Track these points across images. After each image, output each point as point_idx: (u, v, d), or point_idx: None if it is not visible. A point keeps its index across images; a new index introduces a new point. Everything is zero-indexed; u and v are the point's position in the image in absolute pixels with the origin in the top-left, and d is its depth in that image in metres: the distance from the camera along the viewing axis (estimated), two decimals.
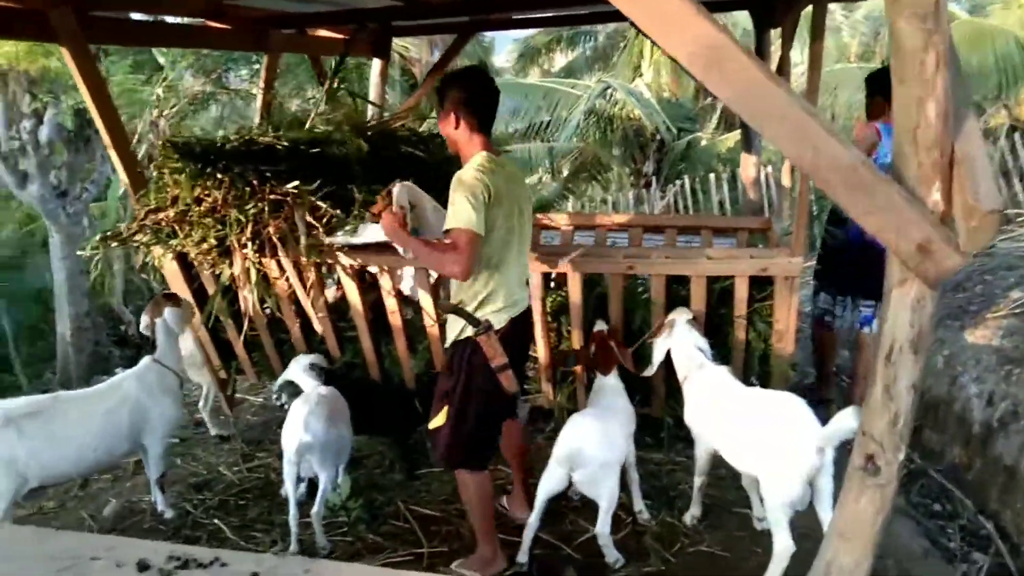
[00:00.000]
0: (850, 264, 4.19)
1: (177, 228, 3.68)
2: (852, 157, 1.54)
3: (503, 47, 24.32)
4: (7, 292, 10.51)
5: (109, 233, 3.86)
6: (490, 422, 3.10)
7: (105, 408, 3.57)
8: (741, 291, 3.60)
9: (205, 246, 3.67)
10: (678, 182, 12.19)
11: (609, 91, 12.59)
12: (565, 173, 15.35)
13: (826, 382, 4.72)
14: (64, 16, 3.38)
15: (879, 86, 3.98)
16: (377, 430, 4.34)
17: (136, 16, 5.29)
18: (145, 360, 3.76)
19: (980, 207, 1.47)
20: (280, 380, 3.84)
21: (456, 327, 2.98)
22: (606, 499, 3.16)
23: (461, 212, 2.70)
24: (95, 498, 4.21)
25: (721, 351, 3.75)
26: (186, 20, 5.41)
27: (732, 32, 1.58)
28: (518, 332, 3.07)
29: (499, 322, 2.93)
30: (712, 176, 11.73)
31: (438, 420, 3.06)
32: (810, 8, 3.96)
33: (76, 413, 3.50)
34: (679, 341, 3.47)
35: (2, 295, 10.24)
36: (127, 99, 9.48)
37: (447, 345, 3.07)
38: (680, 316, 3.51)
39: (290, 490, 3.47)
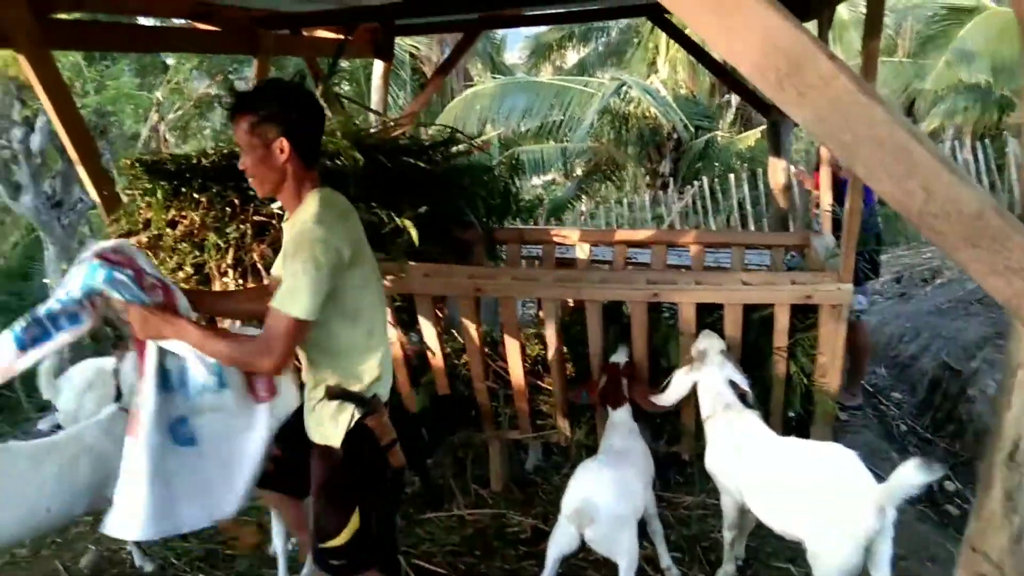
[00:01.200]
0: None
1: (150, 255, 3.31)
2: (979, 201, 1.14)
3: (514, 44, 23.91)
4: (11, 303, 10.29)
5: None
6: (390, 513, 2.60)
7: (61, 461, 3.10)
8: (781, 321, 3.20)
9: (181, 274, 3.29)
10: (696, 183, 11.77)
11: (624, 89, 12.16)
12: (579, 173, 14.96)
13: None
14: (19, 19, 3.01)
15: None
16: None
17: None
18: (110, 408, 3.31)
19: None
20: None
21: (333, 420, 2.29)
22: (625, 558, 2.78)
23: (297, 291, 2.04)
24: (72, 545, 3.86)
25: (757, 387, 3.35)
26: (168, 21, 5.04)
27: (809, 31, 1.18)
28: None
29: (385, 393, 2.37)
30: (731, 176, 11.30)
31: (349, 530, 2.30)
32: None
33: (26, 467, 3.04)
34: (707, 373, 3.07)
35: (5, 306, 10.00)
36: (128, 103, 9.16)
37: (319, 441, 2.34)
38: (711, 344, 3.10)
39: (279, 546, 3.17)
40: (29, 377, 9.14)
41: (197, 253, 3.27)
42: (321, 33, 5.26)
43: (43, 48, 3.14)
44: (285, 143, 2.10)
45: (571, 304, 3.67)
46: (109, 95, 8.03)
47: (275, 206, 3.27)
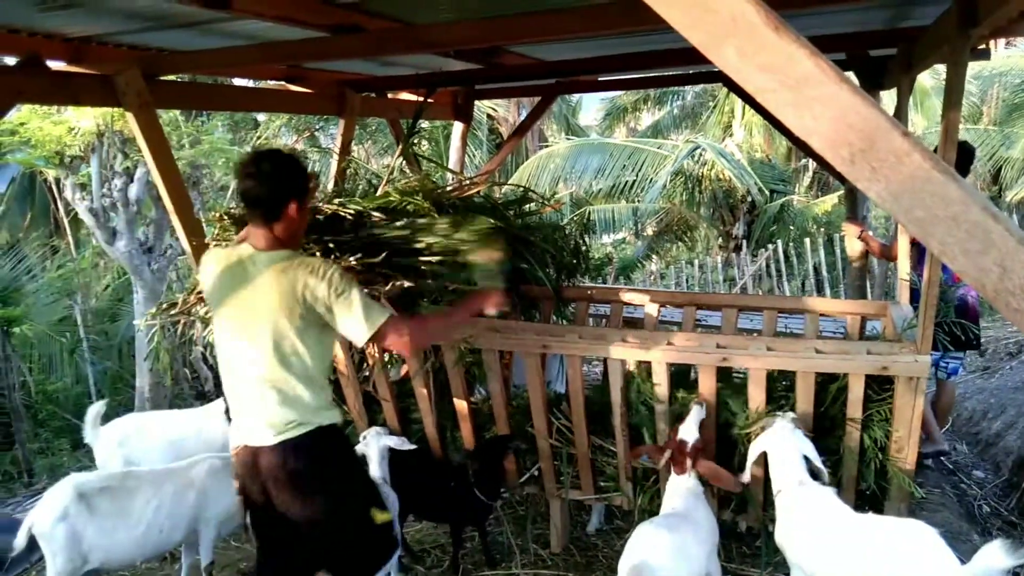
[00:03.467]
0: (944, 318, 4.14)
1: None
2: None
3: (590, 106, 24.35)
4: (98, 342, 10.78)
5: (164, 304, 3.70)
6: None
7: (175, 489, 3.48)
8: (856, 391, 3.11)
9: None
10: (770, 246, 11.60)
11: (698, 151, 12.18)
12: (649, 233, 14.94)
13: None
14: (131, 80, 3.26)
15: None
16: (432, 515, 4.03)
17: None
18: (222, 456, 3.63)
19: None
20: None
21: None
22: None
23: (372, 305, 2.49)
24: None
25: (829, 459, 3.25)
26: (264, 83, 5.35)
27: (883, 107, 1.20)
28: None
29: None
30: (807, 240, 11.10)
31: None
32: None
33: (149, 491, 3.41)
34: (778, 444, 2.99)
35: (94, 345, 10.49)
36: (220, 156, 9.64)
37: None
38: (784, 418, 3.04)
39: None
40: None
41: None
42: (404, 95, 5.48)
43: (150, 107, 3.39)
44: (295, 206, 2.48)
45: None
46: (203, 149, 8.47)
47: (352, 259, 3.38)
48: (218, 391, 8.26)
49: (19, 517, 5.07)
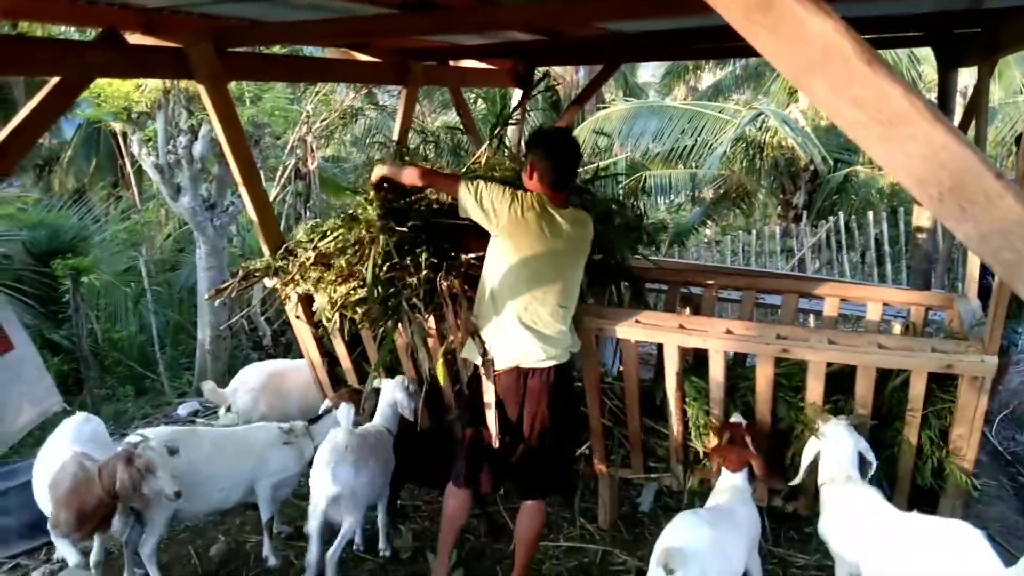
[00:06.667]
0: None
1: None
2: None
3: (649, 63, 23.74)
4: (160, 293, 11.13)
5: (239, 273, 3.83)
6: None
7: (235, 451, 3.64)
8: (917, 387, 3.06)
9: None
10: (831, 217, 11.30)
11: (761, 118, 11.85)
12: (707, 198, 14.67)
13: None
14: (203, 53, 3.32)
15: None
16: (424, 480, 4.21)
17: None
18: (283, 425, 3.79)
19: None
20: (368, 387, 3.89)
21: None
22: None
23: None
24: (203, 533, 4.16)
25: (884, 454, 3.22)
26: (326, 51, 5.37)
27: (972, 143, 1.17)
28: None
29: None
30: (870, 212, 10.78)
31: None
32: None
33: (210, 450, 3.57)
34: (835, 439, 2.99)
35: (156, 296, 10.83)
36: (279, 115, 9.76)
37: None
38: (839, 420, 3.03)
39: (314, 535, 3.43)
40: (172, 363, 9.79)
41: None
42: (466, 63, 5.45)
43: (221, 80, 3.45)
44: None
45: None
46: (264, 107, 8.58)
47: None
48: (274, 346, 8.50)
49: None
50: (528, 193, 3.05)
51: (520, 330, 3.04)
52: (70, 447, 3.27)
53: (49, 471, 3.22)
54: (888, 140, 1.16)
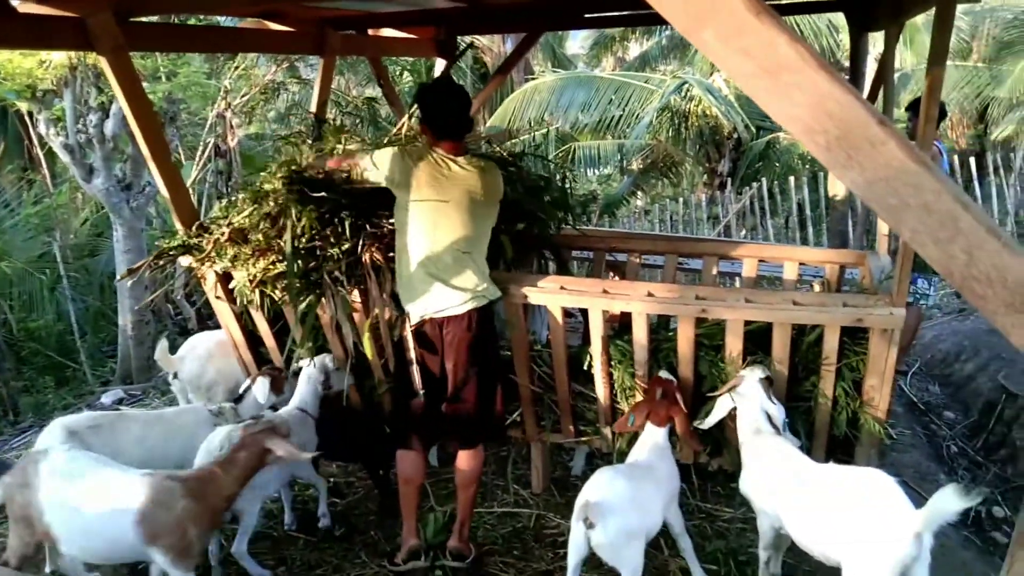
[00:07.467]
0: None
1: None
2: None
3: (577, 34, 23.81)
4: (79, 279, 10.68)
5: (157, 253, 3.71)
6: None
7: (165, 432, 3.58)
8: (831, 342, 3.17)
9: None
10: (755, 184, 11.58)
11: (685, 87, 12.02)
12: (635, 169, 14.84)
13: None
14: (103, 23, 3.15)
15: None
16: (351, 457, 4.22)
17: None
18: (215, 407, 3.75)
19: None
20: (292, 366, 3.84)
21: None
22: (627, 570, 2.77)
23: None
24: None
25: (801, 407, 3.34)
26: (239, 22, 5.18)
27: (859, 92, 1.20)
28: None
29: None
30: (792, 178, 11.09)
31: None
32: None
33: (139, 432, 3.51)
34: (743, 401, 3.11)
35: (75, 282, 10.39)
36: (196, 91, 9.42)
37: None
38: (752, 372, 3.12)
39: None
40: (93, 351, 9.46)
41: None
42: (386, 32, 5.34)
43: (124, 51, 3.29)
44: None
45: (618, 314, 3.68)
46: (180, 82, 8.26)
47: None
48: (200, 328, 8.27)
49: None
50: (422, 146, 3.19)
51: (426, 279, 3.11)
52: (125, 476, 2.91)
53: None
54: (776, 90, 1.18)
